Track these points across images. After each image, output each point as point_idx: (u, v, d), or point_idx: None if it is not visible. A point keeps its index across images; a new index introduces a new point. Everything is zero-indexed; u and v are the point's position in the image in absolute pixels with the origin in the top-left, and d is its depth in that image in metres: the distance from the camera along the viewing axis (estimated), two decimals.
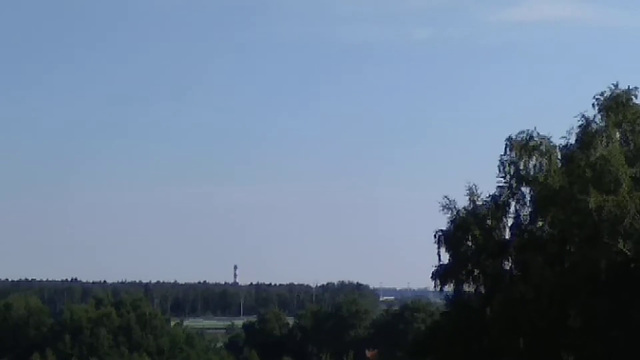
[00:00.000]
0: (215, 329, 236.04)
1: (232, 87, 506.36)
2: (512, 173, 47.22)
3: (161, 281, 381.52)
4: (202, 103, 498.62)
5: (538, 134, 46.80)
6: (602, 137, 44.89)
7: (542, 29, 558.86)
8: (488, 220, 48.16)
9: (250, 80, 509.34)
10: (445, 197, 48.69)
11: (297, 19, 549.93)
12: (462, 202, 48.59)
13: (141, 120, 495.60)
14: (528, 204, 47.39)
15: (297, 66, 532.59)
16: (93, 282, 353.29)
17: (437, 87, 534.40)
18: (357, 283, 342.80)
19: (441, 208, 48.73)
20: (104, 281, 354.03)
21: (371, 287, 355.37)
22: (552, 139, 46.97)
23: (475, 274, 48.69)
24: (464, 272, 48.78)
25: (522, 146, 46.66)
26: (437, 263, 48.83)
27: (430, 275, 49.08)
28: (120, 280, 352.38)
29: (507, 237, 48.25)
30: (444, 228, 48.65)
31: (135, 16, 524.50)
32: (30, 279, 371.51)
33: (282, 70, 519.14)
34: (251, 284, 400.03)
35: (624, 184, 42.05)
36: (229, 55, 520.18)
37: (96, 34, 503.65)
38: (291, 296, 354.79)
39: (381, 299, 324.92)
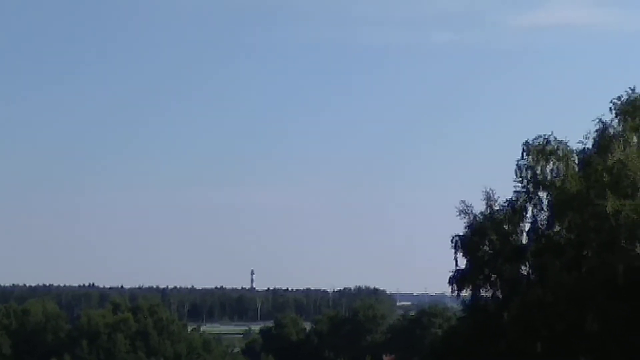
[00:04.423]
0: (232, 334, 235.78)
1: (251, 88, 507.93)
2: (529, 177, 47.17)
3: (178, 286, 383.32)
4: (219, 105, 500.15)
5: (555, 138, 46.80)
6: (620, 141, 44.74)
7: (560, 33, 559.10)
8: (505, 225, 48.11)
9: (269, 82, 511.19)
10: (462, 201, 48.79)
11: (317, 21, 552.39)
12: (479, 206, 48.67)
13: (157, 122, 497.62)
14: (545, 209, 47.32)
15: (317, 68, 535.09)
16: (110, 288, 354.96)
17: (455, 90, 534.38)
18: (374, 288, 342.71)
19: (458, 213, 48.77)
20: (121, 286, 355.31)
21: (388, 292, 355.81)
22: (569, 144, 47.01)
23: (493, 278, 48.66)
24: (481, 277, 48.75)
25: (539, 150, 46.63)
26: (454, 268, 48.87)
27: (447, 280, 49.11)
28: (137, 286, 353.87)
29: (524, 241, 48.19)
30: (461, 233, 48.68)
31: (152, 17, 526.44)
32: (47, 284, 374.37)
33: (301, 72, 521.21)
34: (268, 289, 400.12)
35: None
36: (248, 57, 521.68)
37: (110, 36, 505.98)
38: (308, 301, 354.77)
39: (398, 303, 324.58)
